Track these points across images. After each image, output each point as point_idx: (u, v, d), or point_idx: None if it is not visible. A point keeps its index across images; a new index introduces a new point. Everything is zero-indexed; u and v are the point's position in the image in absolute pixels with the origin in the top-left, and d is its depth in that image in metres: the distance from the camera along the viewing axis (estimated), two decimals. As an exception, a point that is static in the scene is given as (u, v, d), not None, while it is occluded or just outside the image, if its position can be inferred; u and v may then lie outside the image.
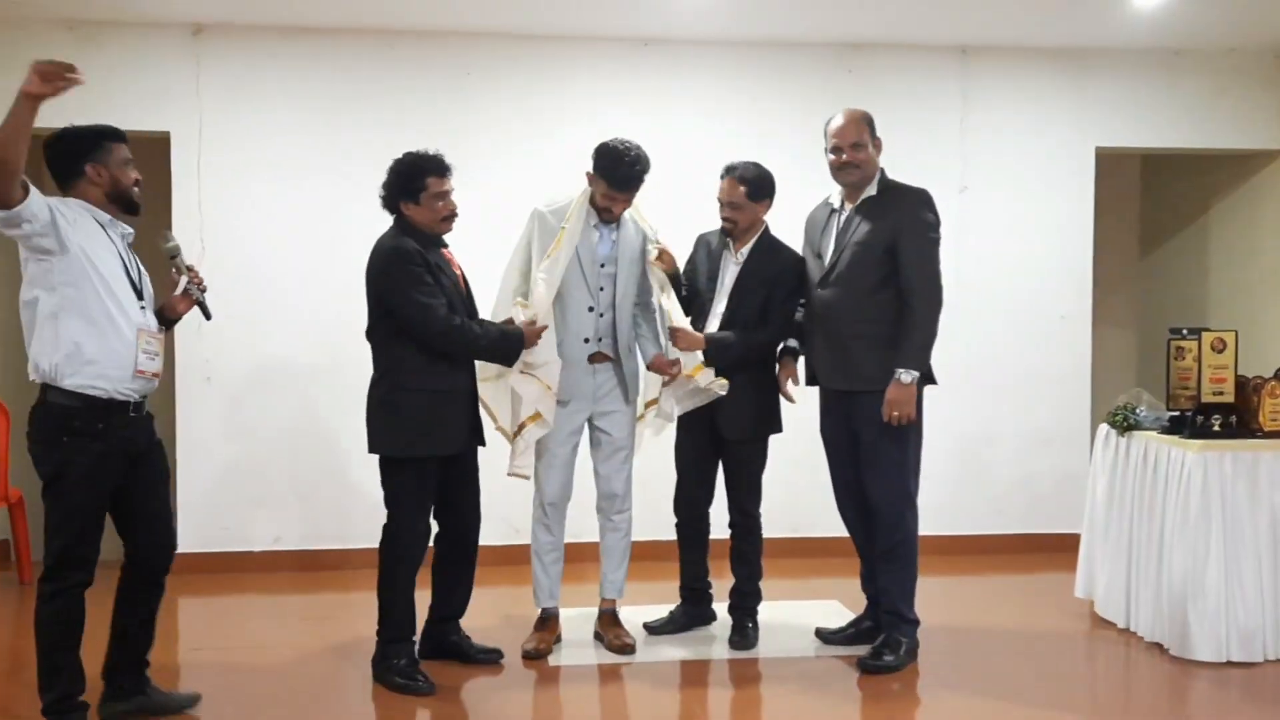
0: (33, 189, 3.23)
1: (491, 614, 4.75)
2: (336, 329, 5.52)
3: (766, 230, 4.38)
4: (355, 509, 5.50)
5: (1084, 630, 4.75)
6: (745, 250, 4.33)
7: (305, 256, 5.59)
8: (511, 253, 4.32)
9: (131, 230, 3.64)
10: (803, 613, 4.72)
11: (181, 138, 5.50)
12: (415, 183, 3.92)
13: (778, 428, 4.40)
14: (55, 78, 3.08)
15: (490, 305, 4.29)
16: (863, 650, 4.27)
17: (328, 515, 5.63)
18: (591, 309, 4.24)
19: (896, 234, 4.08)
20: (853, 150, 4.13)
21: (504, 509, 5.27)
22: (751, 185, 4.28)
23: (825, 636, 4.46)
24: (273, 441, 5.58)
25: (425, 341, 3.89)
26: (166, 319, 3.67)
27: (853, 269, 4.13)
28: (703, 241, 4.48)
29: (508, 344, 4.01)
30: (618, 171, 4.10)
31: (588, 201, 4.21)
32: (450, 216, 4.00)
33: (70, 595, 3.42)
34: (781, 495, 4.85)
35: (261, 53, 5.54)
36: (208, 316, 3.74)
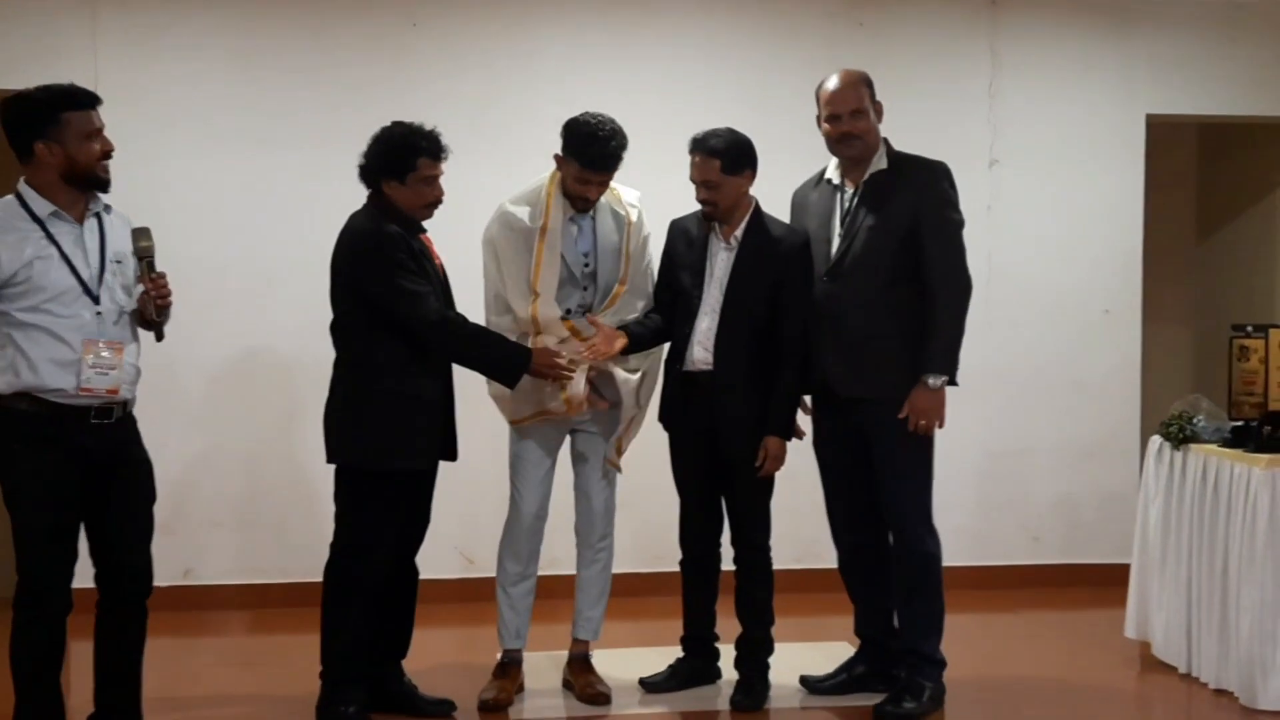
0: None
1: (440, 658, 4.72)
2: (263, 320, 5.52)
3: (758, 207, 4.32)
4: (299, 538, 5.43)
5: (1137, 676, 4.78)
6: (738, 234, 4.27)
7: (228, 243, 5.54)
8: (486, 262, 4.28)
9: (104, 203, 3.63)
10: (810, 657, 4.70)
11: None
12: (405, 161, 3.95)
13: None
14: None
15: (475, 314, 4.28)
16: (859, 700, 4.28)
17: (262, 545, 5.61)
18: (571, 311, 4.25)
19: (915, 216, 4.09)
20: (852, 119, 4.13)
21: (456, 538, 5.26)
22: (726, 157, 4.19)
23: (812, 685, 4.45)
24: (203, 462, 5.53)
25: (417, 334, 3.92)
26: (142, 318, 3.68)
27: (866, 258, 4.11)
28: (680, 230, 4.39)
29: (507, 354, 4.01)
30: (590, 150, 4.09)
31: (560, 191, 4.20)
32: (435, 203, 4.03)
33: (42, 623, 3.50)
34: (784, 523, 4.84)
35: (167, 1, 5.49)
36: (159, 337, 3.70)
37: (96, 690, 3.74)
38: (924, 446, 4.15)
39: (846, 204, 4.21)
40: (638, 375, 4.32)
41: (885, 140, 4.22)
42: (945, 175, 4.19)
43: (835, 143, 4.19)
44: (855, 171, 4.20)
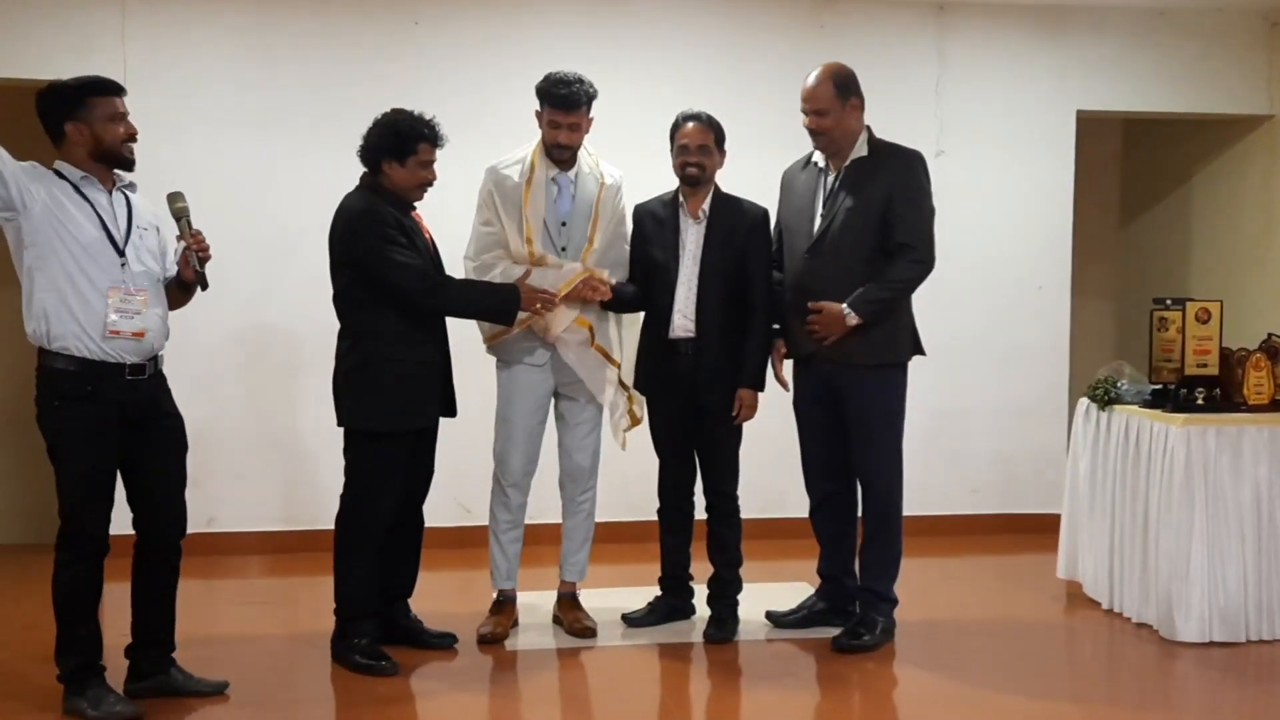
0: None
1: (443, 597, 4.71)
2: (278, 293, 5.50)
3: (718, 185, 4.33)
4: (313, 488, 5.43)
5: (1066, 611, 4.82)
6: (705, 208, 4.27)
7: (242, 218, 5.48)
8: (475, 215, 4.28)
9: (129, 180, 3.64)
10: (775, 595, 4.72)
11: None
12: (407, 145, 3.94)
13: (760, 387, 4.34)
14: None
15: (459, 269, 4.26)
16: (819, 633, 4.32)
17: (279, 495, 5.58)
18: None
19: (891, 199, 4.06)
20: (816, 117, 4.10)
21: (455, 489, 5.25)
22: (718, 131, 4.25)
23: (776, 620, 4.48)
24: (209, 417, 5.48)
25: (410, 302, 3.91)
26: (181, 281, 3.69)
27: (845, 236, 4.09)
28: (645, 212, 4.37)
29: (498, 298, 4.01)
30: (557, 90, 4.12)
31: (543, 154, 4.19)
32: (427, 184, 4.02)
33: (82, 565, 3.50)
34: (751, 474, 4.85)
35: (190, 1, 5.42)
36: (204, 286, 3.70)
37: (134, 622, 3.74)
38: (897, 410, 4.19)
39: (829, 187, 4.18)
40: (617, 372, 4.32)
41: (868, 128, 4.18)
42: (919, 162, 4.17)
43: (809, 133, 4.16)
44: (838, 157, 4.17)
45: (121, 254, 3.51)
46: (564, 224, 4.22)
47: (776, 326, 4.33)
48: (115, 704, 3.52)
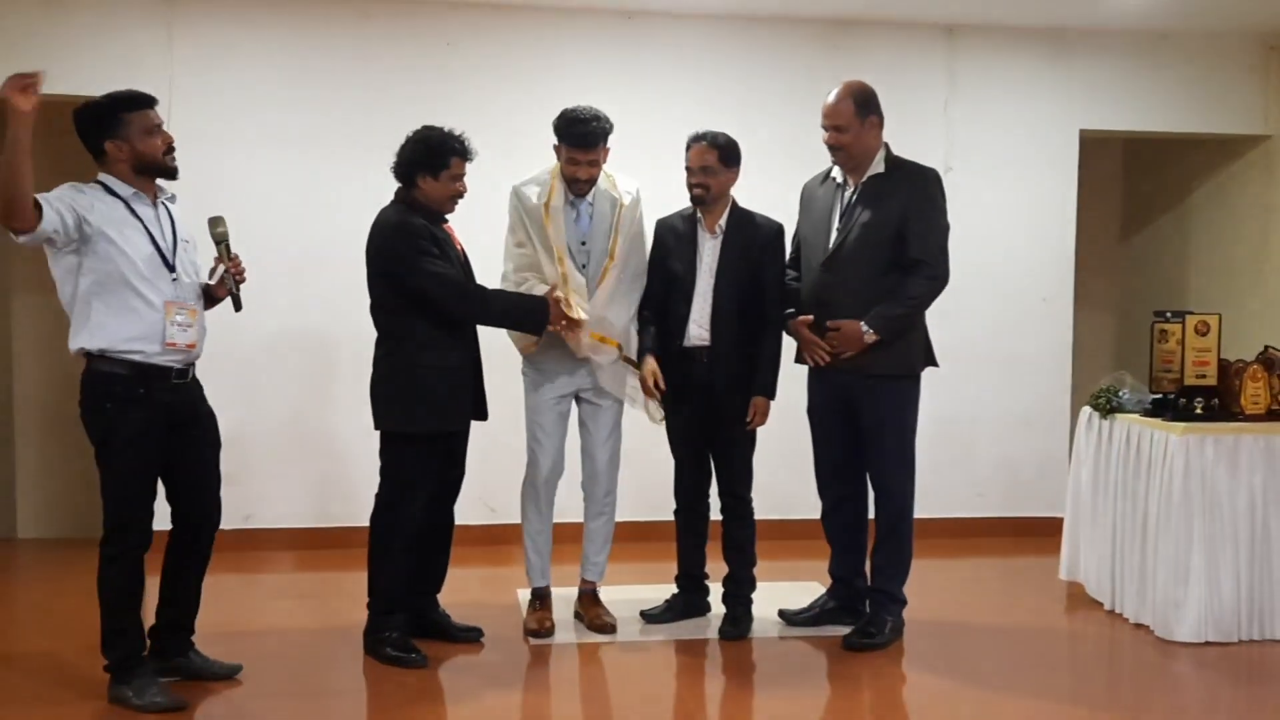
0: (43, 201, 3.30)
1: (469, 593, 4.74)
2: (315, 300, 5.53)
3: (735, 201, 4.34)
4: (347, 487, 5.46)
5: (1068, 612, 4.82)
6: (722, 224, 4.29)
7: (282, 228, 5.54)
8: (508, 233, 4.30)
9: (170, 192, 3.67)
10: (786, 595, 4.73)
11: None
12: (440, 159, 3.97)
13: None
14: (32, 87, 3.13)
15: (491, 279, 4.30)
16: (829, 631, 4.33)
17: (313, 493, 5.62)
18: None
19: (906, 215, 4.05)
20: (835, 133, 4.10)
21: (480, 489, 5.27)
22: (723, 150, 4.23)
23: (789, 618, 4.48)
24: (247, 417, 5.53)
25: (442, 308, 3.94)
26: (211, 296, 3.73)
27: (860, 251, 4.08)
28: (666, 227, 4.39)
29: (525, 308, 4.06)
30: (574, 129, 4.14)
31: (561, 177, 4.22)
32: (459, 196, 4.04)
33: (127, 559, 3.54)
34: (763, 477, 4.86)
35: (235, 20, 5.48)
36: (237, 308, 3.75)
37: (161, 606, 3.79)
38: (910, 417, 4.19)
39: (846, 202, 4.17)
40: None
41: (886, 145, 4.17)
42: (935, 181, 4.16)
43: (829, 149, 4.17)
44: (856, 173, 4.16)
45: (172, 269, 3.55)
46: (583, 243, 4.25)
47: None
48: (158, 694, 3.56)
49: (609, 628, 4.36)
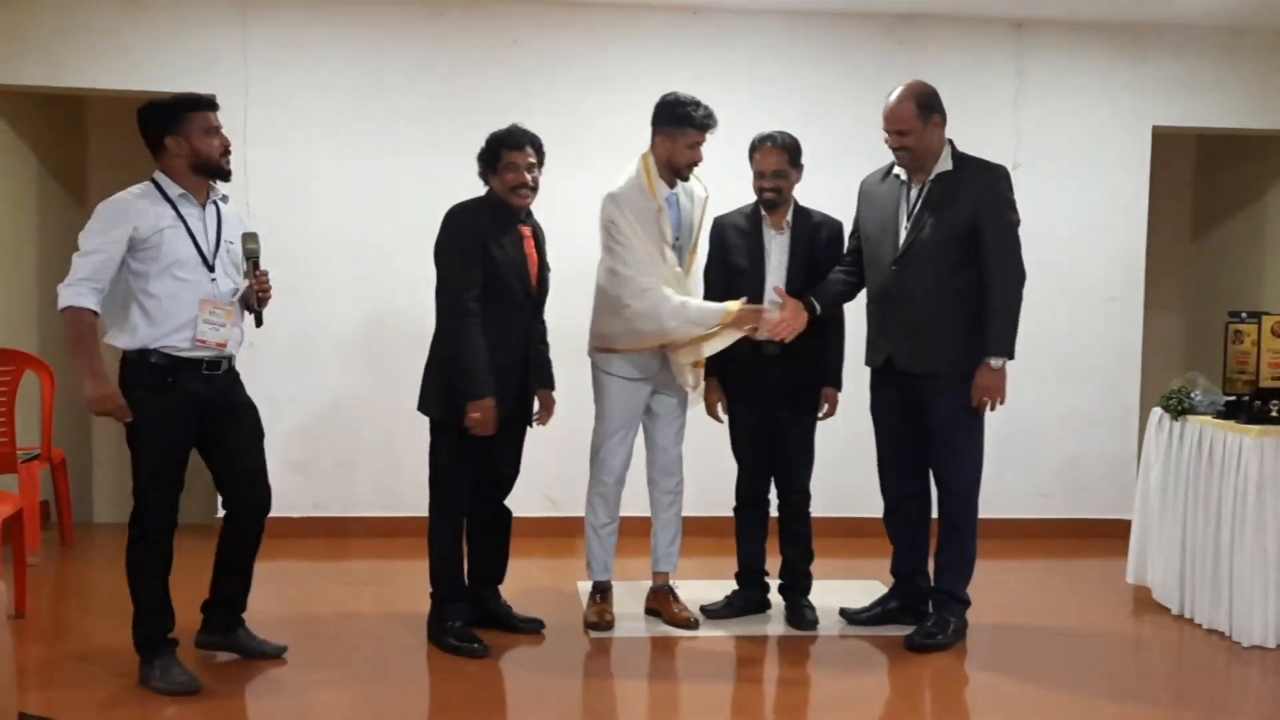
0: (97, 307, 3.48)
1: (529, 585, 4.74)
2: (382, 294, 5.56)
3: (794, 198, 4.30)
4: (398, 476, 5.50)
5: (1135, 615, 4.70)
6: (788, 219, 4.26)
7: (351, 224, 5.58)
8: (619, 245, 4.11)
9: (223, 193, 3.73)
10: (848, 593, 4.66)
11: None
12: (495, 152, 4.00)
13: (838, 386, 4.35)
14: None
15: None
16: (892, 631, 4.26)
17: (368, 482, 5.64)
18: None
19: (977, 213, 3.98)
20: (897, 136, 4.03)
21: (540, 482, 5.27)
22: (792, 151, 4.21)
23: (850, 616, 4.42)
24: (317, 408, 5.59)
25: (441, 310, 3.95)
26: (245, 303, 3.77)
27: (931, 248, 4.02)
28: (727, 224, 4.34)
29: (471, 377, 3.85)
30: (698, 111, 4.08)
31: (656, 174, 4.16)
32: (519, 187, 3.97)
33: (150, 540, 3.59)
34: (821, 474, 4.79)
35: (308, 19, 5.52)
36: (258, 323, 3.79)
37: (214, 582, 3.86)
38: (979, 416, 4.11)
39: (913, 200, 4.10)
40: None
41: (950, 142, 4.10)
42: (1004, 177, 4.09)
43: (892, 151, 4.10)
44: (921, 172, 4.09)
45: (211, 269, 3.60)
46: (677, 238, 4.21)
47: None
48: (179, 675, 3.61)
49: (693, 623, 4.31)
